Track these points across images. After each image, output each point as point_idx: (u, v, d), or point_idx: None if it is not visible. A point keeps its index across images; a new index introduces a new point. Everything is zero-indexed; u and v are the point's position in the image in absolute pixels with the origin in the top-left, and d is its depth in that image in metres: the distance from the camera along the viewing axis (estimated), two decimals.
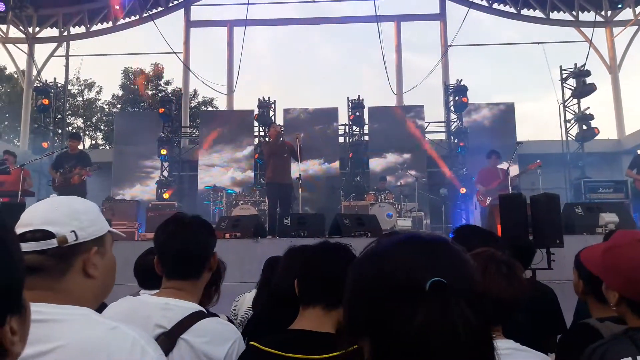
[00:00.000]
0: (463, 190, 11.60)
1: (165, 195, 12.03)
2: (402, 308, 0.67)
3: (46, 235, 1.10)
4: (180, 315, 1.49)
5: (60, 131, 13.53)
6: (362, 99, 12.64)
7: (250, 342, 1.40)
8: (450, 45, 14.20)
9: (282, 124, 12.32)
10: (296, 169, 7.82)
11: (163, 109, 12.71)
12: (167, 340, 1.43)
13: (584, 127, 12.11)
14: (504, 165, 8.77)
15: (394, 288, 0.69)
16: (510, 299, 1.42)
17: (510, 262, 1.50)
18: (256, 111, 12.73)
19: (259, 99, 12.68)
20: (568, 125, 12.72)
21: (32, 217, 1.13)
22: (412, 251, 0.73)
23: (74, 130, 23.57)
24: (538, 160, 8.37)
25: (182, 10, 15.10)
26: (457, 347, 0.65)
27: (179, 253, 1.59)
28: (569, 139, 12.63)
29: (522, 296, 1.47)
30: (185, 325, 1.47)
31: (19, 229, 1.11)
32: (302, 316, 1.44)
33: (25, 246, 1.07)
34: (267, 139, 8.31)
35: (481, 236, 2.00)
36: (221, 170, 12.74)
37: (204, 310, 1.56)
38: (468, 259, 0.75)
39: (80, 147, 9.38)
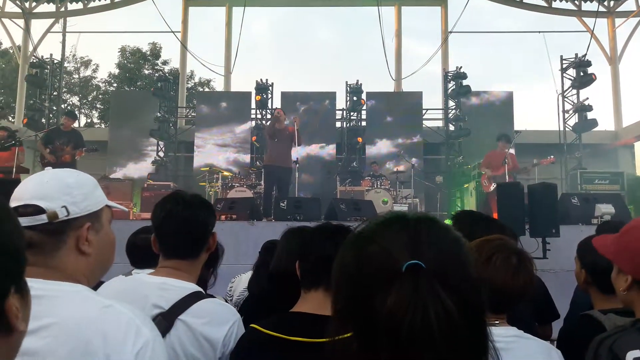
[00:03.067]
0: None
1: (150, 180, 11.88)
2: (379, 290, 0.66)
3: (36, 210, 1.06)
4: (178, 296, 1.46)
5: (55, 108, 13.40)
6: (361, 84, 12.57)
7: (251, 325, 1.37)
8: (450, 32, 14.09)
9: (279, 106, 12.24)
10: (295, 153, 7.80)
11: (153, 88, 12.58)
12: (165, 321, 1.40)
13: (584, 117, 12.08)
14: (512, 150, 8.62)
15: (373, 270, 0.68)
16: (515, 290, 1.41)
17: (520, 253, 1.48)
18: (254, 93, 12.65)
19: (256, 81, 12.58)
20: (566, 115, 12.71)
21: (23, 192, 1.09)
22: (395, 232, 0.71)
23: (70, 108, 23.37)
24: (552, 156, 8.26)
25: None
26: (430, 331, 0.63)
27: (178, 232, 1.55)
28: (567, 129, 12.62)
29: (529, 288, 1.45)
30: (184, 306, 1.44)
31: (12, 203, 1.08)
32: (304, 299, 1.42)
33: None
34: (270, 122, 8.25)
35: (484, 223, 1.96)
36: (217, 151, 12.68)
37: (202, 291, 1.53)
38: (456, 239, 0.72)
39: (75, 125, 9.22)
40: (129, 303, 1.31)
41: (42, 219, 1.06)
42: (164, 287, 1.48)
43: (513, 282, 1.42)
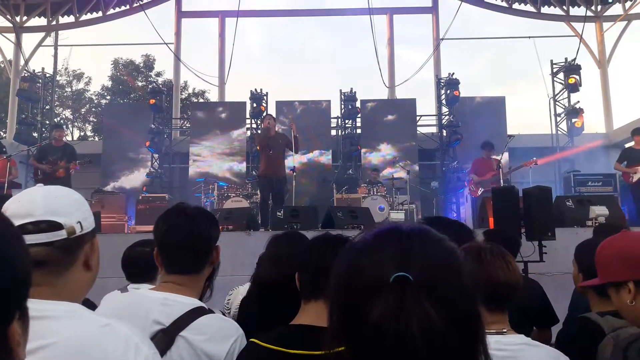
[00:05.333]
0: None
1: (144, 188, 11.91)
2: (367, 302, 0.66)
3: (52, 226, 1.04)
4: (180, 312, 1.42)
5: (48, 122, 13.35)
6: (355, 92, 12.62)
7: (251, 340, 1.35)
8: (442, 39, 14.19)
9: (274, 116, 12.25)
10: (290, 160, 7.74)
11: (154, 100, 12.56)
12: (165, 337, 1.37)
13: (571, 122, 12.20)
14: (498, 157, 8.78)
15: (363, 282, 0.68)
16: (511, 282, 1.43)
17: (500, 249, 1.51)
18: (248, 103, 12.66)
19: (251, 90, 12.60)
20: (558, 119, 12.80)
21: (31, 207, 1.05)
22: (387, 244, 0.71)
23: (61, 122, 23.29)
24: (535, 158, 8.38)
25: (173, 1, 14.92)
26: (414, 342, 0.63)
27: (182, 246, 1.50)
28: (559, 132, 12.71)
29: (520, 281, 1.47)
30: (185, 322, 1.41)
31: (15, 221, 1.02)
32: (304, 310, 1.40)
33: (30, 238, 1.01)
34: (259, 132, 8.10)
35: (454, 229, 1.96)
36: (212, 162, 12.66)
37: (205, 307, 1.49)
38: (450, 251, 0.72)
39: (68, 139, 9.15)
40: (129, 319, 1.29)
41: (62, 234, 1.04)
42: (166, 302, 1.44)
43: (507, 274, 1.43)
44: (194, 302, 1.47)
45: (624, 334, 1.48)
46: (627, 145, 8.04)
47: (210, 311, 1.50)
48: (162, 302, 1.44)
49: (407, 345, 0.63)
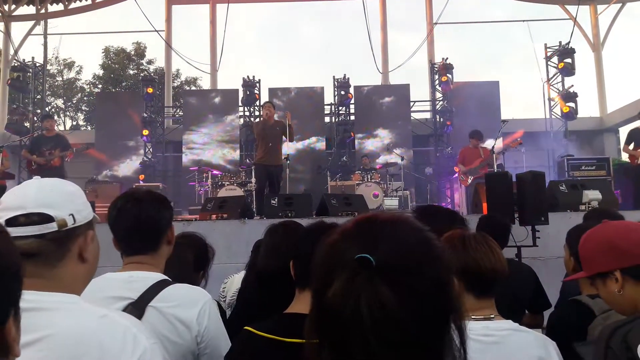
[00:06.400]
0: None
1: (141, 177, 11.91)
2: (329, 283, 0.68)
3: (44, 218, 1.05)
4: (146, 285, 1.48)
5: (39, 111, 13.23)
6: (348, 78, 12.57)
7: (245, 327, 1.36)
8: (435, 24, 14.12)
9: (273, 103, 12.19)
10: (284, 148, 7.71)
11: (152, 89, 12.50)
12: (135, 309, 1.42)
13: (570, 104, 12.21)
14: (488, 144, 8.78)
15: (329, 264, 0.70)
16: (496, 268, 1.44)
17: (484, 236, 1.53)
18: (241, 90, 12.59)
19: (243, 78, 12.53)
20: (552, 103, 12.81)
21: (23, 200, 1.06)
22: (362, 230, 0.72)
23: (52, 111, 23.10)
24: (519, 139, 8.38)
25: None
26: (360, 321, 0.63)
27: (131, 228, 1.56)
28: (553, 117, 12.73)
29: (505, 267, 1.49)
30: (152, 294, 1.47)
31: (8, 212, 1.04)
32: (298, 299, 1.40)
33: (22, 230, 1.03)
34: (256, 120, 8.05)
35: (446, 217, 1.98)
36: (206, 150, 12.62)
37: (169, 279, 1.55)
38: (424, 240, 0.72)
39: (60, 128, 9.09)
40: (99, 301, 1.31)
41: (52, 227, 1.05)
42: (131, 279, 1.50)
43: (494, 260, 1.45)
44: (158, 276, 1.54)
45: (614, 316, 1.50)
46: (632, 127, 8.02)
47: (174, 282, 1.56)
48: (127, 280, 1.50)
49: (355, 323, 0.64)
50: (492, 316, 1.43)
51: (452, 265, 0.72)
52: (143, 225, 1.57)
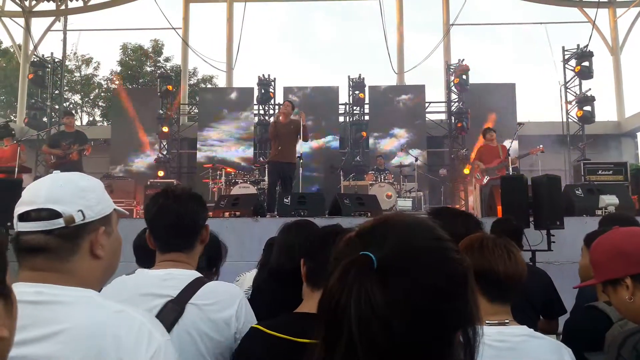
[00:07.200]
0: (467, 171, 11.55)
1: (160, 173, 12.01)
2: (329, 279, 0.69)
3: (52, 214, 1.05)
4: (184, 283, 1.50)
5: (57, 107, 13.41)
6: (363, 78, 12.56)
7: (254, 326, 1.36)
8: (452, 25, 14.02)
9: (280, 101, 12.23)
10: (299, 148, 7.72)
11: (171, 87, 12.64)
12: (176, 306, 1.44)
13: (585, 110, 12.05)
14: (506, 143, 8.60)
15: (340, 260, 0.70)
16: (512, 273, 1.41)
17: (504, 240, 1.49)
18: (256, 88, 12.64)
19: (258, 76, 12.57)
20: (569, 106, 12.65)
21: (35, 195, 1.07)
22: (375, 229, 0.72)
23: (70, 107, 23.40)
24: (541, 146, 8.22)
25: None
26: (347, 316, 0.63)
27: (171, 225, 1.57)
28: (570, 120, 12.58)
29: (523, 273, 1.45)
30: (191, 291, 1.48)
31: (22, 207, 1.06)
32: (310, 298, 1.39)
33: (30, 226, 1.04)
34: (273, 121, 8.07)
35: (463, 220, 1.94)
36: (220, 148, 12.68)
37: (204, 277, 1.58)
38: (435, 248, 0.70)
39: (77, 124, 9.26)
40: (137, 298, 1.34)
41: (59, 223, 1.05)
42: (168, 277, 1.52)
43: (511, 266, 1.42)
44: (194, 274, 1.56)
45: (631, 323, 1.47)
46: None
47: (209, 280, 1.58)
48: (165, 277, 1.52)
49: (341, 317, 0.64)
50: (507, 321, 1.40)
51: (466, 279, 0.69)
52: (183, 223, 1.59)
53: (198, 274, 1.56)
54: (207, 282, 1.53)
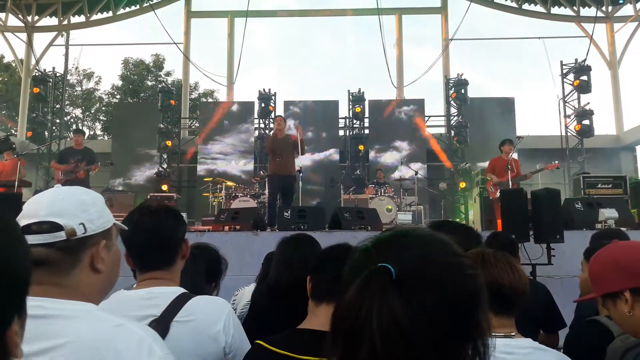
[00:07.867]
0: (463, 185, 11.55)
1: (164, 187, 12.01)
2: (349, 286, 0.68)
3: (53, 227, 1.05)
4: (167, 300, 1.45)
5: (58, 121, 13.46)
6: (363, 92, 12.62)
7: (257, 342, 1.35)
8: (451, 39, 14.14)
9: (283, 116, 12.27)
10: (297, 162, 7.74)
11: (174, 101, 12.75)
12: (160, 326, 1.39)
13: (583, 123, 12.10)
14: (515, 156, 8.50)
15: (358, 271, 0.70)
16: (515, 286, 1.42)
17: (504, 254, 1.51)
18: (256, 103, 12.70)
19: (259, 90, 12.64)
20: (568, 120, 12.71)
21: (37, 208, 1.07)
22: (394, 241, 0.73)
23: (72, 122, 23.50)
24: (556, 162, 8.12)
25: (182, 1, 15.00)
26: (369, 327, 0.64)
27: (148, 242, 1.52)
28: (569, 134, 12.62)
29: (525, 285, 1.46)
30: (175, 309, 1.43)
31: (23, 220, 1.06)
32: (314, 314, 1.38)
33: (31, 239, 1.03)
34: (271, 134, 8.13)
35: (462, 233, 1.94)
36: (220, 162, 12.70)
37: (188, 292, 1.52)
38: (456, 266, 0.71)
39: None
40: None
41: (61, 236, 1.05)
42: (150, 295, 1.47)
43: (515, 279, 1.42)
44: (177, 290, 1.51)
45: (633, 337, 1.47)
46: None
47: (193, 295, 1.52)
48: (146, 297, 1.46)
49: (362, 329, 0.64)
50: (513, 334, 1.41)
51: (480, 294, 0.72)
52: (161, 239, 1.53)
53: (182, 290, 1.51)
54: (192, 298, 1.49)
